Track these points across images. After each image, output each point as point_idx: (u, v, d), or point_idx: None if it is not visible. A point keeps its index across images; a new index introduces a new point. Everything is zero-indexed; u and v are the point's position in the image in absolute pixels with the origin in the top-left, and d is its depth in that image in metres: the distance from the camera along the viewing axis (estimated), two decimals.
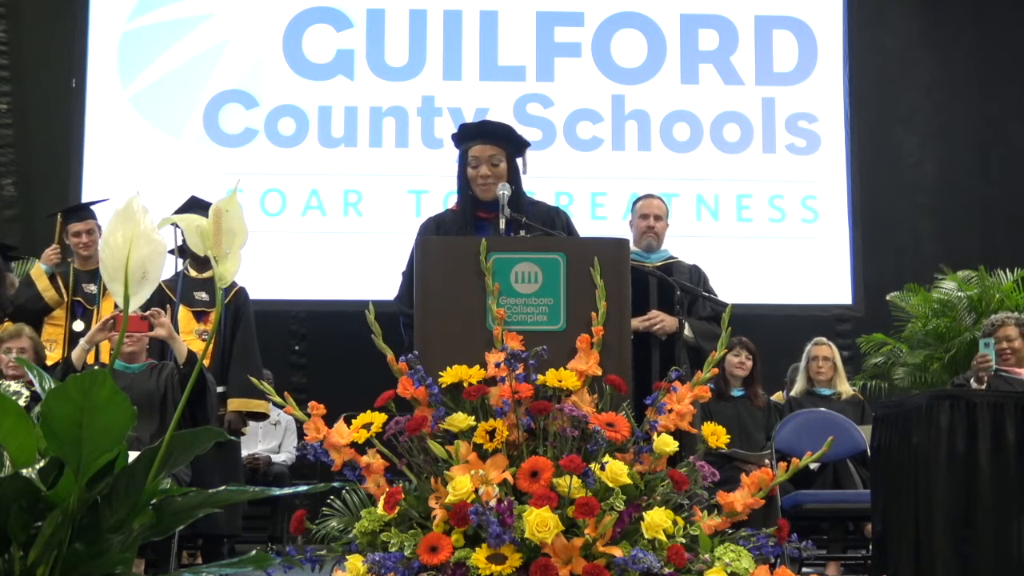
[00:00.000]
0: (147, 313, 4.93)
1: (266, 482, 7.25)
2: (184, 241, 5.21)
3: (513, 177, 4.17)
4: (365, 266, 8.57)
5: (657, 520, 2.68)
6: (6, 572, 2.04)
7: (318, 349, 9.09)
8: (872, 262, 9.24)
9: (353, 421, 2.90)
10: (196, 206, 5.58)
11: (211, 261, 2.17)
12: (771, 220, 9.15)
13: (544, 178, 8.16)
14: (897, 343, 8.80)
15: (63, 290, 6.00)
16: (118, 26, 9.10)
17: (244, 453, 6.91)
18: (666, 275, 4.88)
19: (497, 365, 2.90)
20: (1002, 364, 5.66)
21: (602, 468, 2.71)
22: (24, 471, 2.05)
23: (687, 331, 4.84)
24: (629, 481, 2.72)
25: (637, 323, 4.62)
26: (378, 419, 2.89)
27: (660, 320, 4.77)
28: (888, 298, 8.93)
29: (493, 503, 2.63)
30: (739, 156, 9.21)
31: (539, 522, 2.60)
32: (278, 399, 3.03)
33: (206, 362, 5.60)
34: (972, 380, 5.34)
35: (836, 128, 9.30)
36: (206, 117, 9.04)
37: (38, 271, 6.07)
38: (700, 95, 9.27)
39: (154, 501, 2.15)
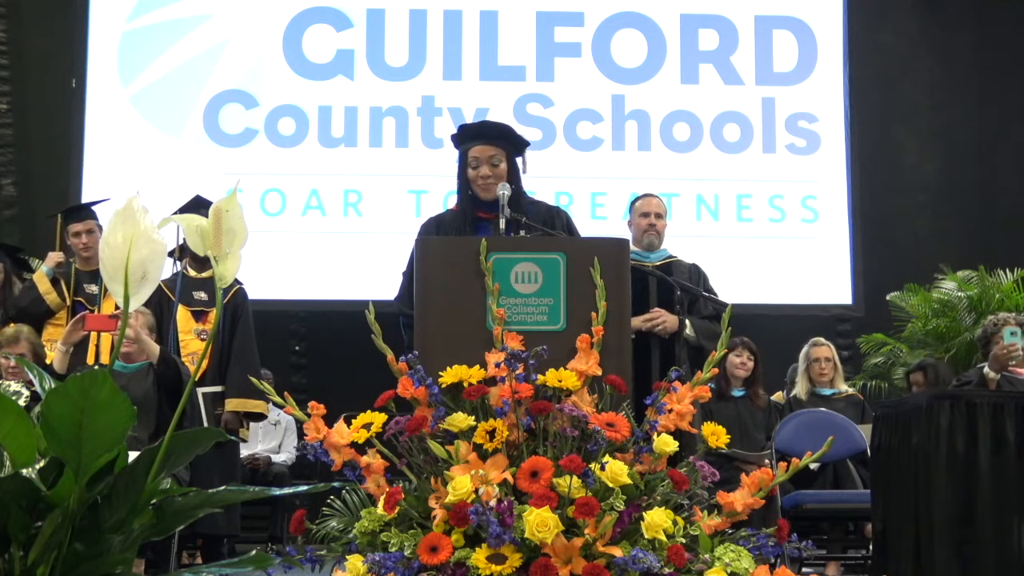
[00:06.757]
0: (116, 312, 4.94)
1: (266, 482, 7.25)
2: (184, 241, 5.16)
3: (513, 177, 4.17)
4: (365, 266, 8.57)
5: (657, 520, 2.68)
6: (6, 572, 2.04)
7: (318, 349, 9.09)
8: (872, 262, 9.23)
9: (353, 421, 2.90)
10: (200, 205, 5.58)
11: (211, 261, 2.17)
12: (771, 220, 9.14)
13: (544, 178, 8.15)
14: (897, 343, 8.80)
15: (65, 293, 6.00)
16: (118, 26, 9.10)
17: (244, 453, 6.90)
18: (666, 275, 4.88)
19: (497, 365, 2.90)
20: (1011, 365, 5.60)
21: (602, 468, 2.71)
22: (24, 471, 2.05)
23: (689, 329, 4.83)
24: (629, 481, 2.72)
25: (640, 322, 4.62)
26: (378, 419, 2.89)
27: (663, 319, 4.76)
28: (888, 298, 8.93)
29: (493, 503, 2.63)
30: (739, 156, 9.20)
31: (539, 522, 2.60)
32: (278, 399, 3.03)
33: (205, 362, 5.61)
34: (987, 369, 5.26)
35: (836, 128, 9.30)
36: (206, 117, 9.04)
37: (40, 274, 6.08)
38: (700, 95, 9.27)
39: (154, 501, 2.15)
